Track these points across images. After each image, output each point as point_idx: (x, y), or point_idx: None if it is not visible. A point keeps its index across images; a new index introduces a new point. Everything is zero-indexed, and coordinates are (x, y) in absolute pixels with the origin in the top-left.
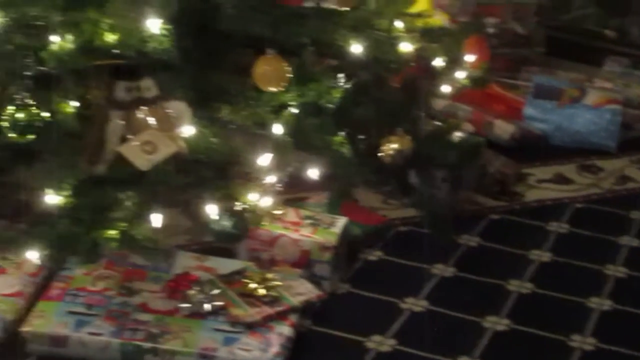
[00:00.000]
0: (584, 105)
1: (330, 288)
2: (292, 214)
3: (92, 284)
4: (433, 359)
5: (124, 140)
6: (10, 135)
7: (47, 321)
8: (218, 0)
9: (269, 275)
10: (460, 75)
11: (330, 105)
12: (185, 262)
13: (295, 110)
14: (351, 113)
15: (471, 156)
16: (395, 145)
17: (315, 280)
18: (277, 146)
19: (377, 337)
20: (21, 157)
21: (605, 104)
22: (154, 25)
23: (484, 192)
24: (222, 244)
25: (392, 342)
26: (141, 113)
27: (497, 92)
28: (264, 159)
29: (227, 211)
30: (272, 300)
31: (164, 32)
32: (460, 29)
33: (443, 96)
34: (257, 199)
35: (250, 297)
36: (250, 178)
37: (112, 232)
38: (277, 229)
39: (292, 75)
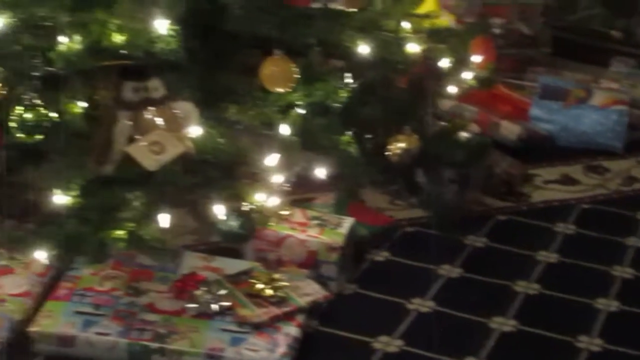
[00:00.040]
0: (590, 105)
1: (337, 289)
2: (299, 215)
3: (99, 284)
4: (440, 359)
5: (131, 140)
6: (18, 135)
7: (54, 321)
8: (225, 1)
9: (276, 276)
10: (467, 75)
11: (337, 105)
12: (193, 262)
13: (302, 111)
14: (358, 113)
15: (479, 155)
16: (402, 145)
17: (322, 280)
18: (284, 146)
19: (384, 338)
20: (29, 157)
21: (612, 105)
22: (162, 25)
23: (491, 193)
24: (229, 245)
25: (399, 342)
26: (149, 113)
27: (503, 92)
28: (271, 159)
29: (235, 211)
30: (279, 301)
31: (172, 32)
32: (466, 30)
33: (449, 97)
34: (264, 200)
35: (257, 298)
36: (258, 178)
37: (120, 232)
38: (284, 230)
39: (299, 76)
